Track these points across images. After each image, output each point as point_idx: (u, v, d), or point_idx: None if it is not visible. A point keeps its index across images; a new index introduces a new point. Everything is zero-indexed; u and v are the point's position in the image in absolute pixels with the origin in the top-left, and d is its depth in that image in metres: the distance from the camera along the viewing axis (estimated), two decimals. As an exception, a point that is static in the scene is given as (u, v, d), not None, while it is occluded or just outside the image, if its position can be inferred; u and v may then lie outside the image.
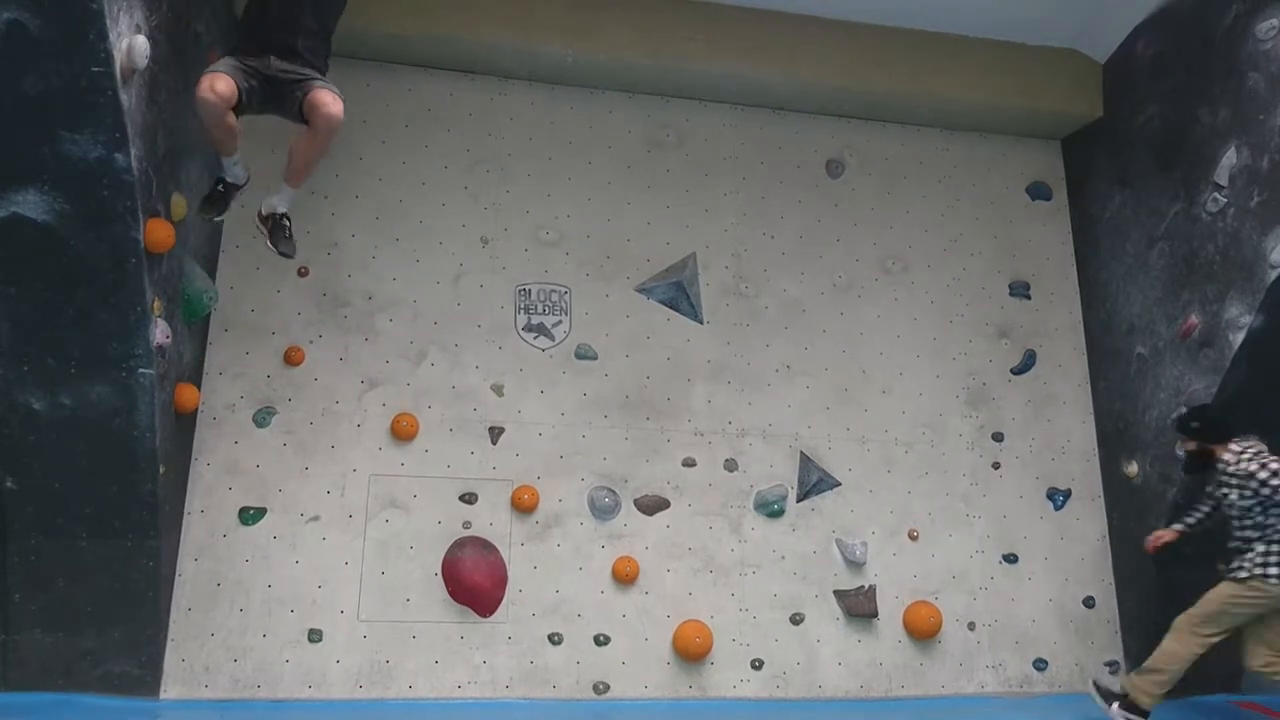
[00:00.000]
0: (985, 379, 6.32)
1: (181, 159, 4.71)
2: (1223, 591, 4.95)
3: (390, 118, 5.92)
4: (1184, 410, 5.33)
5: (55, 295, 4.13)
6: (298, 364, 5.47)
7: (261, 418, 5.37)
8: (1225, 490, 4.99)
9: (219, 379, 5.36)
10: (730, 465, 5.85)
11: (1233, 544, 5.00)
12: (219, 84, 3.83)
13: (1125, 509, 6.05)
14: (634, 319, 5.96)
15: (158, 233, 4.23)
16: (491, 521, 5.49)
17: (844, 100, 6.34)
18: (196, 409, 5.18)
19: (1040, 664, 5.89)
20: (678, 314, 6.03)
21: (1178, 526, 5.35)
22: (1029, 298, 6.52)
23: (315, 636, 5.14)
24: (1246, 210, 5.17)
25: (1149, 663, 5.03)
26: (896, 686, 5.70)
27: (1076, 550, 6.14)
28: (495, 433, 5.62)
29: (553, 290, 5.91)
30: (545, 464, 5.63)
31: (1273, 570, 4.81)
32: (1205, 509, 5.26)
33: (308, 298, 5.58)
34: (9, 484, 4.50)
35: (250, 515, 5.24)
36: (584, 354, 5.84)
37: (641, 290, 6.02)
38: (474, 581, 5.36)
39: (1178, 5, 5.77)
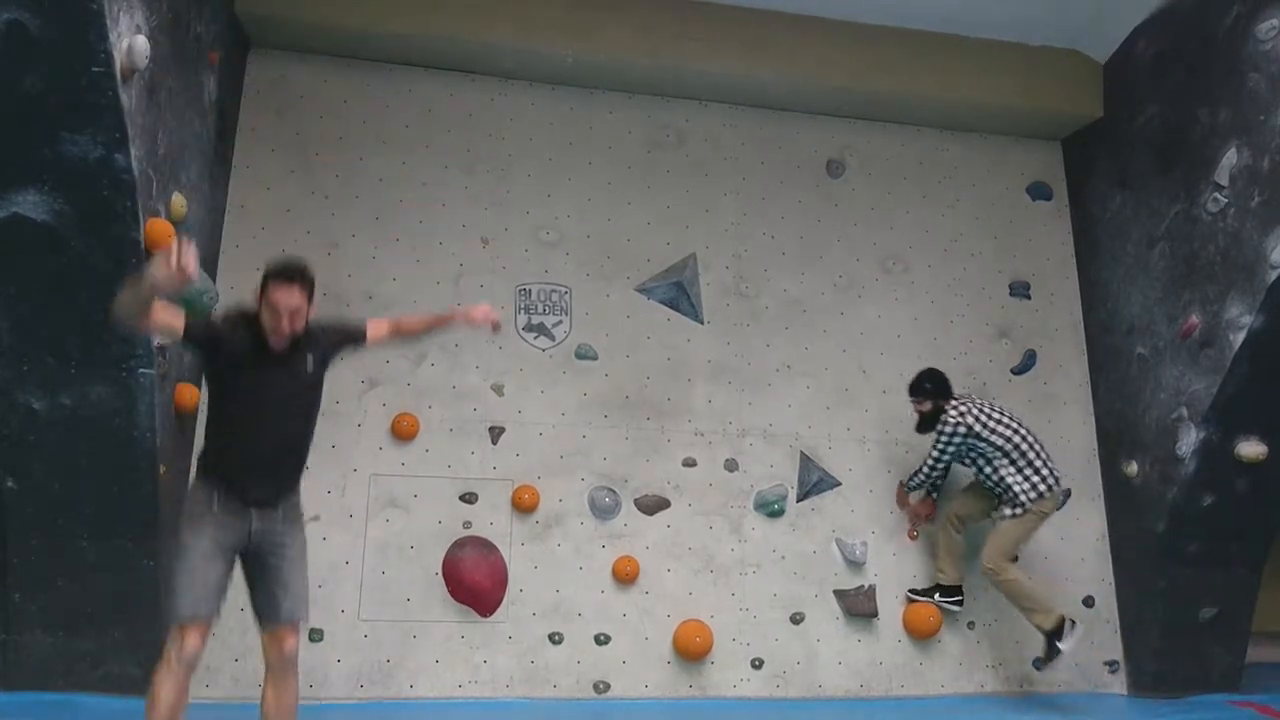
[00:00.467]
0: (985, 379, 6.32)
1: (181, 159, 4.71)
2: (1011, 532, 5.38)
3: (390, 118, 5.92)
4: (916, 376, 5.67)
5: (55, 295, 4.13)
6: (298, 364, 5.46)
7: (262, 418, 5.36)
8: (966, 442, 5.39)
9: (219, 379, 5.36)
10: (730, 465, 5.85)
11: (997, 490, 5.43)
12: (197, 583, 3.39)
13: (1125, 509, 6.06)
14: (634, 319, 5.96)
15: (158, 233, 4.23)
16: (492, 521, 5.49)
17: (844, 100, 6.34)
18: (197, 409, 5.17)
19: (1038, 664, 5.89)
20: (678, 314, 6.03)
21: (923, 496, 5.82)
22: (1029, 298, 6.52)
23: (316, 636, 5.14)
24: (1247, 210, 5.17)
25: (1025, 611, 5.39)
26: (896, 686, 5.70)
27: (1076, 550, 6.14)
28: (495, 433, 5.62)
29: (553, 290, 5.91)
30: (545, 464, 5.63)
31: (1042, 489, 5.33)
32: (929, 466, 5.58)
33: (308, 298, 5.58)
34: (9, 484, 4.50)
35: (250, 515, 5.23)
36: (584, 354, 5.84)
37: (642, 290, 6.02)
38: (474, 581, 5.36)
39: (1178, 5, 5.77)
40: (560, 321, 5.87)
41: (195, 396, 5.03)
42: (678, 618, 5.53)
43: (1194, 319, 5.51)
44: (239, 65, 5.71)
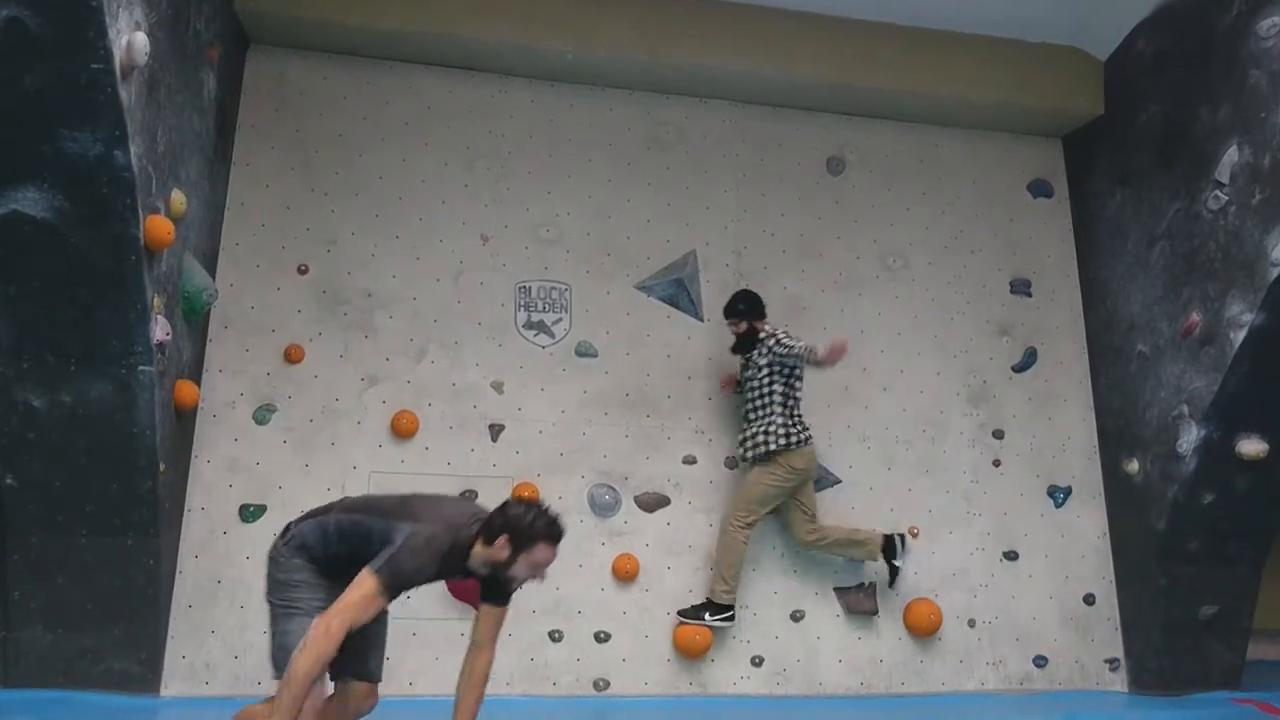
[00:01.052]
0: (986, 376, 6.32)
1: (181, 156, 4.71)
2: (754, 477, 5.39)
3: (390, 115, 5.91)
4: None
5: (55, 293, 4.13)
6: (298, 361, 5.47)
7: (262, 415, 5.37)
8: (761, 362, 5.41)
9: (219, 376, 5.36)
10: (731, 463, 5.85)
11: (750, 430, 5.43)
12: None
13: (1126, 507, 6.06)
14: (634, 316, 5.96)
15: (157, 230, 4.23)
16: (492, 519, 5.49)
17: (844, 97, 6.33)
18: (196, 406, 5.18)
19: (1040, 661, 5.89)
20: (678, 311, 6.03)
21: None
22: (1030, 295, 6.51)
23: (315, 634, 5.14)
24: (1248, 208, 5.17)
25: (717, 574, 5.42)
26: (897, 684, 5.70)
27: (1077, 548, 6.14)
28: (495, 430, 5.62)
29: (553, 288, 5.90)
30: (545, 461, 5.63)
31: (794, 438, 5.34)
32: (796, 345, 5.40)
33: (308, 295, 5.58)
34: (9, 481, 4.50)
35: (251, 512, 5.24)
36: (584, 351, 5.83)
37: (642, 287, 6.02)
38: (474, 579, 5.35)
39: (1179, 3, 5.76)
40: (560, 319, 5.87)
41: (194, 394, 5.04)
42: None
43: (1195, 317, 5.50)
44: (238, 62, 5.70)
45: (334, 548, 3.33)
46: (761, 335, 5.50)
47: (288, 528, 3.46)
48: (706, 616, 5.40)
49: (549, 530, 3.26)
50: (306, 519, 3.44)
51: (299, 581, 3.32)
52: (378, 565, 3.13)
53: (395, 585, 3.15)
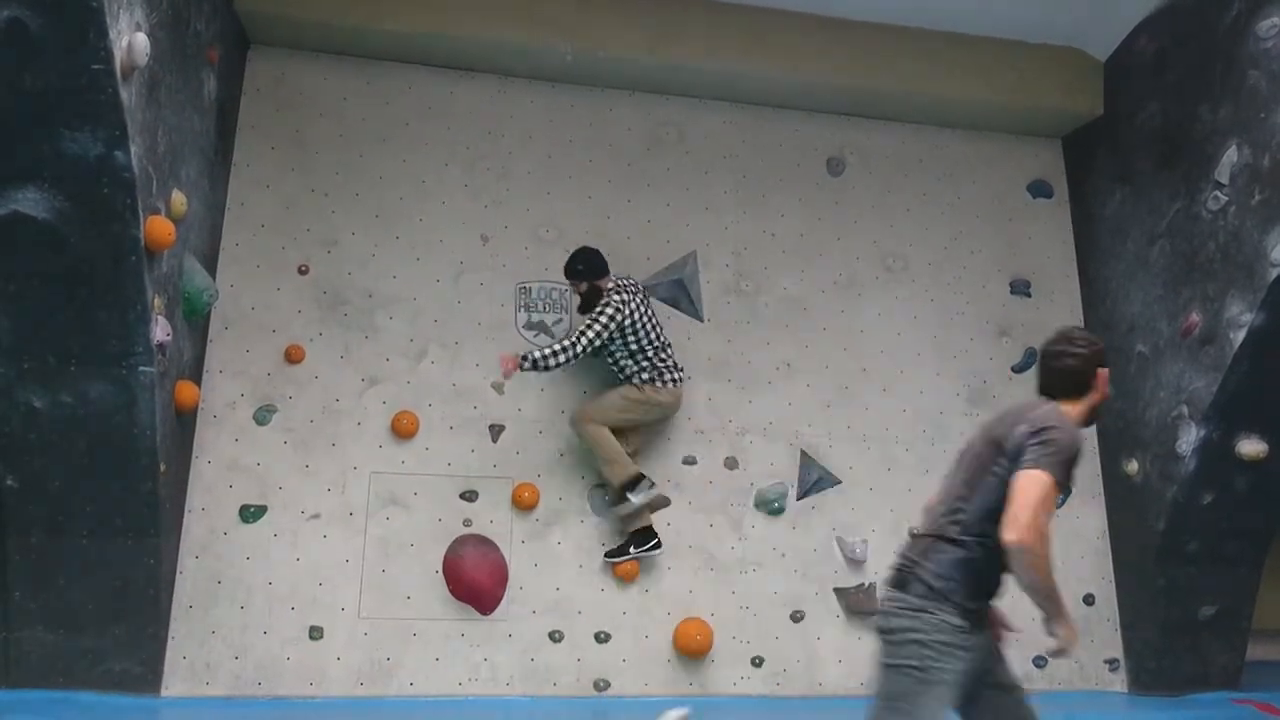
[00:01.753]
0: (986, 377, 6.32)
1: (181, 156, 4.71)
2: (619, 391, 5.42)
3: (390, 116, 5.91)
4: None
5: (55, 293, 4.13)
6: (298, 362, 5.47)
7: (262, 415, 5.37)
8: (613, 318, 5.25)
9: (219, 377, 5.37)
10: (730, 463, 5.85)
11: (627, 366, 5.41)
12: None
13: (1125, 507, 6.06)
14: (634, 317, 5.96)
15: (158, 230, 4.23)
16: (492, 519, 5.50)
17: (844, 98, 6.34)
18: (197, 407, 5.18)
19: (1040, 661, 5.89)
20: (678, 311, 6.03)
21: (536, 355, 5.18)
22: (1030, 295, 6.52)
23: (316, 634, 5.15)
24: (1247, 208, 5.17)
25: (606, 468, 5.39)
26: (896, 684, 5.69)
27: (1076, 548, 6.14)
28: (496, 430, 5.62)
29: (553, 288, 5.91)
30: (546, 462, 5.63)
31: (660, 377, 5.39)
32: (581, 346, 5.20)
33: (308, 296, 5.58)
34: (9, 482, 4.50)
35: (251, 513, 5.25)
36: (584, 352, 5.84)
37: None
38: (474, 579, 5.36)
39: (1179, 3, 5.77)
40: (560, 319, 5.87)
41: (195, 395, 5.04)
42: (678, 616, 5.53)
43: (1194, 317, 5.51)
44: (239, 63, 5.71)
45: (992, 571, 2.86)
46: (606, 294, 5.36)
47: (905, 578, 2.90)
48: (632, 549, 5.44)
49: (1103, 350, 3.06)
50: (922, 560, 2.90)
51: (942, 645, 2.78)
52: (1035, 462, 2.72)
53: (1065, 472, 2.77)
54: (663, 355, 5.44)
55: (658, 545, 5.47)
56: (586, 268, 5.43)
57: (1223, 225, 5.34)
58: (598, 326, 5.21)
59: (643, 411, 5.44)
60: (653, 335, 5.41)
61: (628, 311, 5.27)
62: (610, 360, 5.44)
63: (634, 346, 5.34)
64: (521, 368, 5.14)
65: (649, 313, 5.44)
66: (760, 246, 6.23)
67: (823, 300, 6.24)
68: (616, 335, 5.29)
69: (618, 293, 5.32)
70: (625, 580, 5.52)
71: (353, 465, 5.42)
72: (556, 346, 5.17)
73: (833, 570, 5.82)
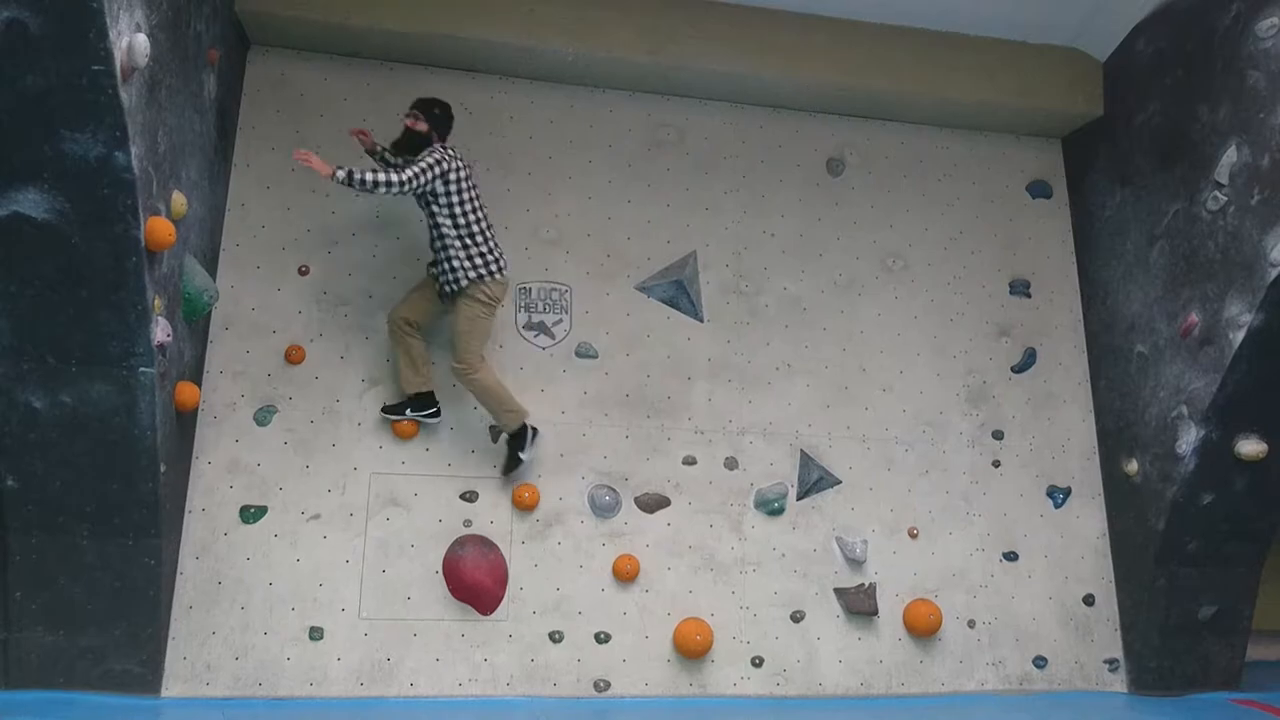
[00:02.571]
0: (985, 377, 6.33)
1: (182, 157, 4.71)
2: (464, 315, 5.16)
3: (390, 116, 5.89)
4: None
5: (56, 294, 4.13)
6: (298, 362, 5.48)
7: (262, 416, 5.37)
8: (439, 163, 5.00)
9: (220, 377, 5.37)
10: (730, 463, 5.85)
11: (443, 263, 5.15)
12: None
13: (1125, 507, 6.06)
14: (634, 317, 5.96)
15: (158, 231, 4.23)
16: (492, 520, 5.50)
17: (844, 98, 6.34)
18: (197, 407, 5.18)
19: (1040, 662, 5.90)
20: (678, 312, 6.04)
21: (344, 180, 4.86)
22: (1029, 296, 6.52)
23: (316, 634, 5.15)
24: (1247, 208, 5.17)
25: (493, 411, 5.37)
26: (897, 684, 5.71)
27: (1076, 548, 6.15)
28: (495, 431, 5.62)
29: (553, 289, 5.91)
30: (546, 462, 5.63)
31: (483, 271, 5.13)
32: (397, 182, 4.87)
33: (308, 296, 5.59)
34: (10, 482, 4.51)
35: (251, 513, 5.25)
36: (584, 352, 5.84)
37: (642, 289, 6.02)
38: (475, 579, 5.37)
39: (1178, 4, 5.77)
40: (560, 320, 5.88)
41: (195, 395, 5.04)
42: (678, 616, 5.54)
43: (1194, 317, 5.51)
44: (239, 63, 5.71)
45: None
46: (436, 154, 5.06)
47: None
48: (409, 411, 5.40)
49: None
50: None
51: None
52: None
53: None
54: (493, 241, 5.22)
55: (436, 414, 5.43)
56: (441, 114, 5.26)
57: (1222, 225, 5.34)
58: (424, 165, 4.95)
59: (487, 318, 5.24)
60: (483, 213, 5.19)
61: (456, 169, 5.04)
62: (439, 245, 5.14)
63: (462, 220, 5.08)
64: (335, 177, 4.81)
65: (478, 192, 5.21)
66: (760, 247, 6.23)
67: (823, 300, 6.24)
68: (443, 199, 5.03)
69: (450, 152, 5.10)
70: (625, 579, 5.52)
71: (353, 466, 5.42)
72: (381, 176, 4.83)
73: (833, 570, 5.82)
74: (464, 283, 5.13)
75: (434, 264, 5.30)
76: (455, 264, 5.13)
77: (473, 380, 5.25)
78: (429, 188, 5.01)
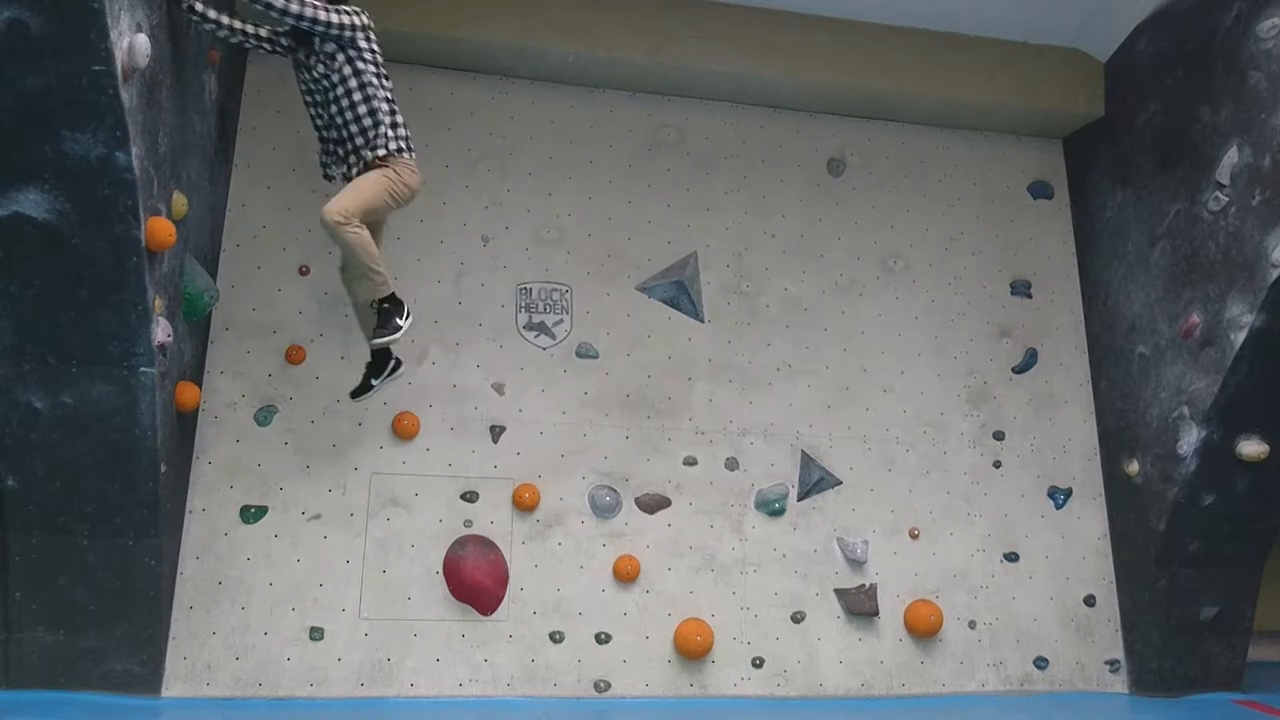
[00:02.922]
0: (986, 378, 6.32)
1: (182, 157, 4.71)
2: (368, 188, 4.53)
3: (391, 116, 5.91)
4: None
5: (56, 294, 4.13)
6: (299, 363, 5.47)
7: (263, 416, 5.37)
8: (356, 16, 4.48)
9: (220, 378, 5.37)
10: (731, 464, 5.85)
11: (354, 137, 4.60)
12: None
13: (1126, 508, 6.06)
14: (635, 318, 5.96)
15: (159, 231, 4.22)
16: (493, 520, 5.50)
17: (845, 99, 6.34)
18: (198, 408, 5.18)
19: (1041, 662, 5.89)
20: (679, 313, 6.03)
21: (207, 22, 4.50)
22: (1030, 296, 6.52)
23: (317, 635, 5.15)
24: (1248, 209, 5.17)
25: (362, 268, 4.66)
26: (897, 685, 5.70)
27: (1077, 549, 6.14)
28: (496, 431, 5.62)
29: (554, 289, 5.91)
30: (546, 462, 5.63)
31: (403, 144, 4.62)
32: (294, 10, 4.30)
33: (309, 296, 5.59)
34: (10, 482, 4.51)
35: (251, 514, 5.25)
36: (585, 353, 5.84)
37: (642, 289, 6.02)
38: (475, 580, 5.37)
39: (1179, 4, 5.77)
40: (561, 320, 5.87)
41: (196, 395, 5.04)
42: (678, 616, 5.54)
43: (1195, 318, 5.50)
44: (239, 64, 5.71)
45: None
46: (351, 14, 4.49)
47: None
48: (374, 381, 5.03)
49: None
50: None
51: None
52: None
53: None
54: (405, 125, 4.68)
55: (398, 365, 5.07)
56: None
57: (1223, 226, 5.34)
58: (350, 10, 4.46)
59: (395, 199, 4.66)
60: (392, 96, 4.63)
61: (372, 34, 4.56)
62: (349, 116, 4.57)
63: (385, 85, 4.60)
64: None
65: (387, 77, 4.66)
66: (761, 247, 6.23)
67: (823, 301, 6.24)
68: (368, 54, 4.52)
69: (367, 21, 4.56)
70: (626, 579, 5.52)
71: (353, 466, 5.42)
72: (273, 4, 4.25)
73: (833, 571, 5.82)
74: (381, 152, 4.58)
75: (335, 143, 4.71)
76: (375, 133, 4.58)
77: (344, 231, 4.47)
78: (351, 39, 4.45)
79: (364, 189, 4.55)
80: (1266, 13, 5.11)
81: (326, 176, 4.92)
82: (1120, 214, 6.24)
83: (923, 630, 5.75)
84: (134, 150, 3.89)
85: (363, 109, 4.60)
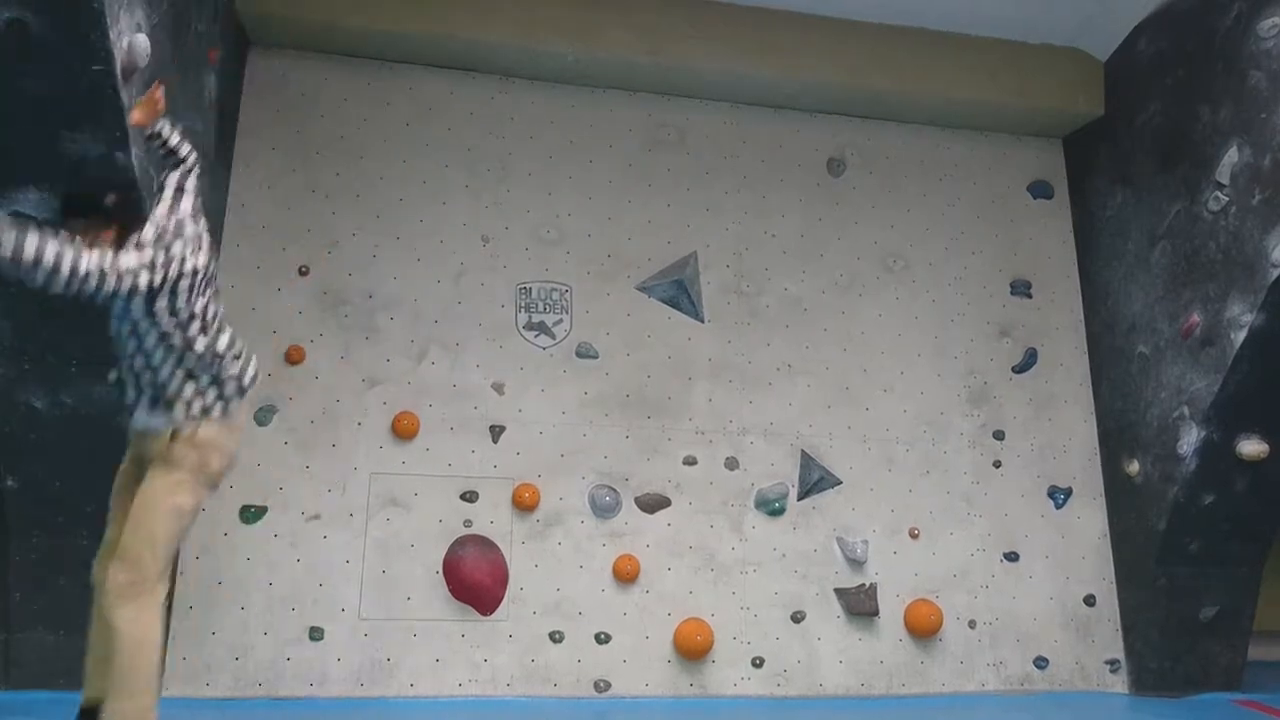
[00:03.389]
0: (986, 377, 6.32)
1: (182, 158, 4.70)
2: (165, 480, 3.29)
3: (391, 116, 5.91)
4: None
5: (56, 294, 4.12)
6: (298, 363, 5.47)
7: (262, 416, 5.37)
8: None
9: (220, 377, 5.36)
10: (731, 464, 5.85)
11: (167, 370, 3.34)
12: None
13: (1126, 507, 6.05)
14: (635, 318, 5.96)
15: (158, 231, 4.22)
16: (492, 520, 5.50)
17: (845, 99, 6.34)
18: (197, 407, 5.17)
19: (1041, 662, 5.89)
20: (678, 312, 6.03)
21: None
22: (1030, 296, 6.52)
23: (316, 635, 5.15)
24: (1248, 209, 5.17)
25: (119, 679, 3.40)
26: (897, 685, 5.70)
27: (1077, 549, 6.14)
28: (496, 431, 5.62)
29: (553, 289, 5.91)
30: (546, 462, 5.63)
31: (237, 387, 3.40)
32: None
33: (308, 296, 5.59)
34: (10, 482, 4.51)
35: (251, 514, 5.25)
36: (585, 353, 5.84)
37: (642, 289, 6.02)
38: (475, 580, 5.36)
39: (1179, 3, 5.77)
40: (561, 320, 5.87)
41: (196, 395, 5.03)
42: (678, 616, 5.53)
43: (1195, 317, 5.50)
44: (239, 64, 5.71)
45: None
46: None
47: None
48: None
49: None
50: None
51: None
52: None
53: None
54: (232, 342, 3.45)
55: None
56: (131, 211, 3.48)
57: (1223, 226, 5.34)
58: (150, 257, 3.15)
59: (208, 486, 3.41)
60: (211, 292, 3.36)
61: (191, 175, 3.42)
62: (136, 348, 3.33)
63: (185, 313, 3.28)
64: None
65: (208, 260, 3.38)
66: (761, 247, 6.23)
67: (823, 301, 6.23)
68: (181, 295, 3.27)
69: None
70: (626, 579, 5.52)
71: (353, 466, 5.42)
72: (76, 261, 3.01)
73: (833, 571, 5.82)
74: (189, 414, 3.33)
75: (153, 373, 3.41)
76: (176, 382, 3.38)
77: (121, 613, 3.19)
78: (131, 294, 3.13)
79: (146, 514, 3.23)
80: (1266, 12, 5.10)
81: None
82: (1120, 214, 6.23)
83: (923, 630, 5.74)
84: (134, 150, 3.89)
85: (142, 364, 3.37)
